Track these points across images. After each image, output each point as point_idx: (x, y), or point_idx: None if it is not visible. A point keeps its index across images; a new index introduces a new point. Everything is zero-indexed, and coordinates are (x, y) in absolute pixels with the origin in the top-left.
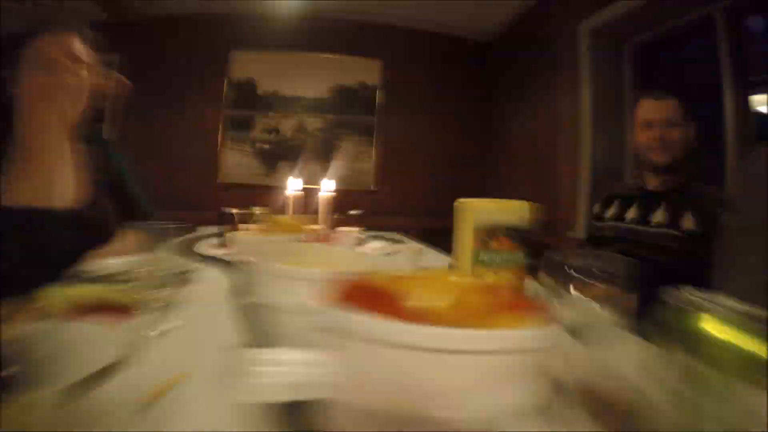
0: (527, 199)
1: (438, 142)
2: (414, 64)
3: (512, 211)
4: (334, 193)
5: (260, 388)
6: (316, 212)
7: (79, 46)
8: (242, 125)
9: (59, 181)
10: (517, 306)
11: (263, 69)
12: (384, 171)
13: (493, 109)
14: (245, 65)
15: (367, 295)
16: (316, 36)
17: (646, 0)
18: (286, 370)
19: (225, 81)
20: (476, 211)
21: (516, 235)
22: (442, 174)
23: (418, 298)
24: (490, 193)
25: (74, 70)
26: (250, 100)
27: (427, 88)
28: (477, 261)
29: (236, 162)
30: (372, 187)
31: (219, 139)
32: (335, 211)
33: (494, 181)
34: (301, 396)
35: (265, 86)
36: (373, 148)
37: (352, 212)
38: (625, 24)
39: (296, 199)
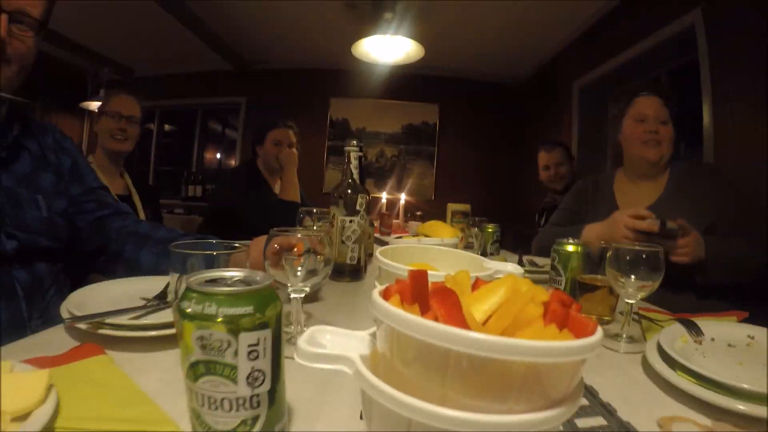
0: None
1: (480, 163)
2: (462, 106)
3: (461, 208)
4: (405, 201)
5: (310, 355)
6: (396, 215)
7: (291, 135)
8: (340, 152)
9: (295, 191)
10: (563, 317)
11: (354, 111)
12: (440, 185)
13: (519, 136)
14: (341, 108)
15: (430, 294)
16: (391, 87)
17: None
18: (338, 345)
19: (327, 120)
20: (451, 209)
21: (462, 215)
22: (484, 186)
23: (477, 305)
24: (517, 197)
25: (289, 146)
26: (345, 134)
27: (472, 122)
28: (451, 222)
29: (335, 178)
30: (432, 197)
31: (324, 162)
32: (407, 213)
33: (521, 189)
34: (336, 367)
35: (355, 124)
36: (433, 169)
37: (418, 213)
38: (600, 83)
39: (385, 204)
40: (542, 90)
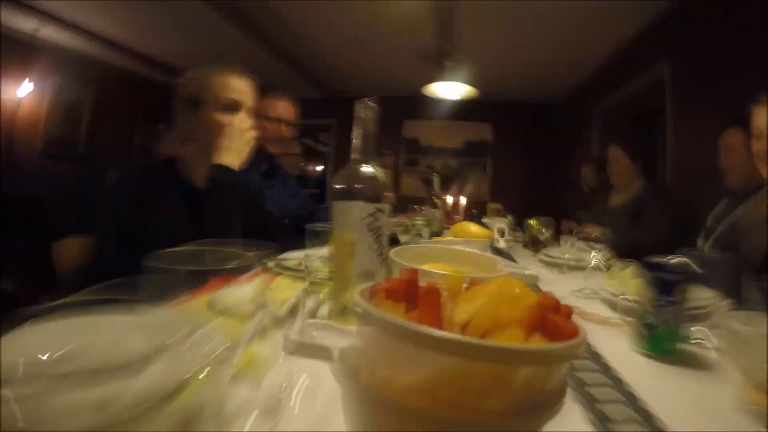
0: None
1: (525, 171)
2: (510, 124)
3: (495, 206)
4: (465, 202)
5: (300, 347)
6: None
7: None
8: (412, 163)
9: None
10: (539, 321)
11: (424, 130)
12: (493, 189)
13: (556, 150)
14: (413, 128)
15: (418, 295)
16: (453, 111)
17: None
18: (327, 338)
19: (401, 138)
20: (489, 207)
21: (495, 211)
22: (527, 189)
23: (465, 305)
24: (555, 198)
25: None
26: (417, 149)
27: (518, 138)
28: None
29: (410, 184)
30: (486, 199)
31: (400, 171)
32: (467, 211)
33: (558, 192)
34: (326, 359)
35: (424, 141)
36: (488, 176)
37: (473, 211)
38: (615, 109)
39: (450, 204)
40: (573, 112)
